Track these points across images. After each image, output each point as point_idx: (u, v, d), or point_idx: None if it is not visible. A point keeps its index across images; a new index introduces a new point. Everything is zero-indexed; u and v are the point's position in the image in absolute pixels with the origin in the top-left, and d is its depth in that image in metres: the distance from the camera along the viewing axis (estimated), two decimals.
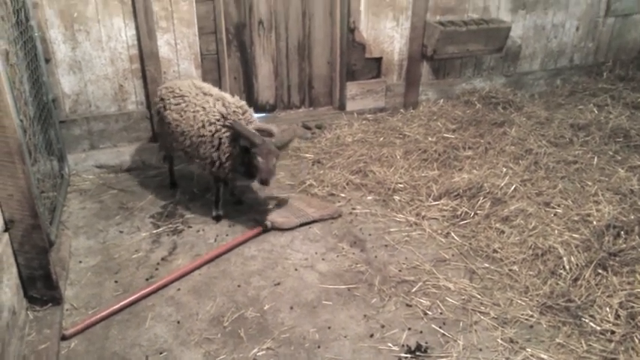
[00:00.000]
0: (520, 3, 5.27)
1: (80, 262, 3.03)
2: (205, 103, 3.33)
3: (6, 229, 2.33)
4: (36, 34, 3.52)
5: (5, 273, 2.24)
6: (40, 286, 2.51)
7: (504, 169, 3.94)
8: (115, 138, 4.31)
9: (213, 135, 3.24)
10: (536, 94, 5.67)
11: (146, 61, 4.17)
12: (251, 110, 3.41)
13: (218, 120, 3.25)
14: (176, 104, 3.41)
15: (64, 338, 2.44)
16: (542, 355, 2.38)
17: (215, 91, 3.49)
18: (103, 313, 2.59)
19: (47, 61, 3.82)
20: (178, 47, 4.29)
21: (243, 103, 3.42)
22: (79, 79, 4.07)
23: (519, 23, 5.36)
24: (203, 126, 3.26)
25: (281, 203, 3.62)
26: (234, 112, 3.28)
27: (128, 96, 4.27)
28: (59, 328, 2.46)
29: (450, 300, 2.76)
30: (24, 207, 2.35)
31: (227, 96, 3.43)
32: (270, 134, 3.19)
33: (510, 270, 2.97)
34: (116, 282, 2.87)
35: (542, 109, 5.16)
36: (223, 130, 3.23)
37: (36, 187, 2.49)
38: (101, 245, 3.19)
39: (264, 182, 3.11)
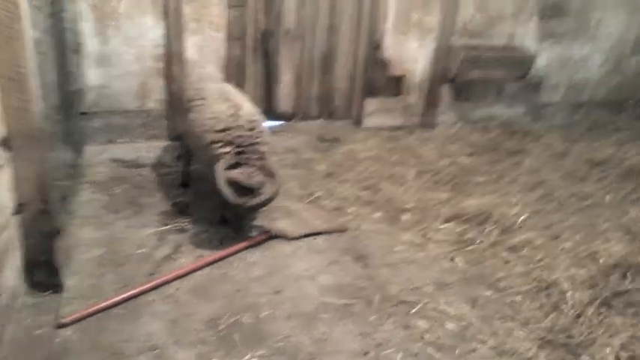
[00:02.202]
0: (547, 33, 5.26)
1: (84, 252, 3.07)
2: (219, 109, 3.28)
3: (16, 212, 2.37)
4: (67, 26, 3.61)
5: (10, 255, 2.29)
6: (42, 272, 2.55)
7: (516, 199, 3.90)
8: (133, 134, 4.38)
9: (209, 144, 3.13)
10: (555, 125, 5.62)
11: (171, 61, 4.24)
12: (265, 127, 3.27)
13: (219, 130, 3.13)
14: (197, 105, 3.45)
15: (60, 326, 2.46)
16: None
17: (237, 98, 3.43)
18: (101, 305, 2.60)
19: (76, 52, 3.90)
20: (204, 50, 4.36)
21: (257, 118, 3.28)
22: (105, 73, 4.16)
23: (545, 53, 5.34)
24: (207, 131, 3.19)
25: (288, 212, 3.63)
26: (238, 125, 3.13)
27: (150, 94, 4.35)
28: (56, 315, 2.48)
29: (449, 325, 2.72)
30: (36, 192, 2.40)
31: (245, 106, 3.32)
32: (257, 187, 3.01)
33: (512, 300, 2.92)
34: (118, 275, 2.90)
35: (560, 141, 5.11)
36: (219, 143, 3.09)
37: (50, 174, 2.54)
38: (107, 238, 3.23)
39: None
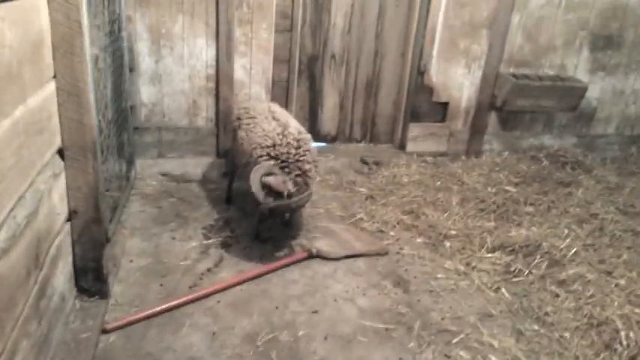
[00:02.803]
0: (600, 65, 5.12)
1: (131, 261, 3.15)
2: (268, 127, 3.37)
3: (69, 219, 2.46)
4: (125, 45, 3.79)
5: (62, 260, 2.37)
6: (91, 278, 2.62)
7: (566, 231, 3.76)
8: (182, 149, 4.51)
9: (256, 159, 3.22)
10: (608, 158, 5.41)
11: (221, 81, 4.38)
12: (312, 146, 3.36)
13: (267, 146, 3.22)
14: (247, 124, 3.54)
15: (104, 331, 2.52)
16: None
17: (285, 118, 3.52)
18: (145, 314, 2.66)
19: (131, 70, 4.09)
20: (252, 72, 4.48)
21: (305, 136, 3.36)
22: (158, 91, 4.33)
23: (597, 85, 5.19)
24: (255, 148, 3.27)
25: (329, 233, 3.62)
26: (288, 143, 3.23)
27: (199, 112, 4.48)
28: (102, 320, 2.55)
29: (492, 358, 2.62)
30: (88, 201, 2.49)
31: (293, 125, 3.42)
32: (284, 194, 3.07)
33: (561, 336, 2.79)
34: (161, 285, 2.95)
35: (614, 174, 4.92)
36: (265, 157, 3.18)
37: (102, 184, 2.64)
38: (153, 248, 3.30)
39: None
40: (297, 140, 3.29)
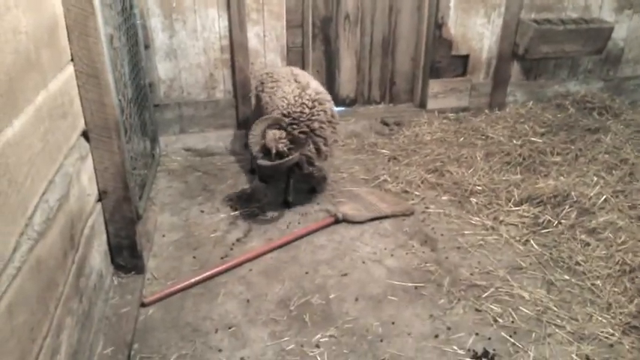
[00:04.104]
0: (626, 2, 4.88)
1: (164, 236, 3.24)
2: (288, 89, 3.41)
3: (99, 199, 2.53)
4: (138, 22, 3.78)
5: (96, 239, 2.45)
6: (126, 254, 2.71)
7: (595, 179, 3.69)
8: (203, 124, 4.54)
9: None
10: (637, 101, 5.23)
11: (235, 51, 4.34)
12: (330, 106, 3.40)
13: (284, 107, 3.30)
14: (270, 88, 3.58)
15: (143, 305, 2.63)
16: None
17: (307, 79, 3.55)
18: (180, 285, 2.75)
19: (146, 47, 4.09)
20: (266, 39, 4.43)
21: (323, 97, 3.40)
22: (174, 66, 4.33)
23: (624, 24, 4.96)
24: (273, 110, 3.36)
25: (354, 196, 3.64)
26: (302, 103, 3.29)
27: (217, 84, 4.48)
28: (140, 295, 2.65)
29: (524, 310, 2.63)
30: (117, 180, 2.54)
31: (313, 87, 3.44)
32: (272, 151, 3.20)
33: (593, 284, 2.78)
34: (194, 257, 3.04)
35: None
36: (285, 119, 3.25)
37: (129, 163, 2.69)
38: (183, 222, 3.39)
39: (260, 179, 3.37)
40: (313, 101, 3.33)
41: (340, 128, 4.61)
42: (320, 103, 3.35)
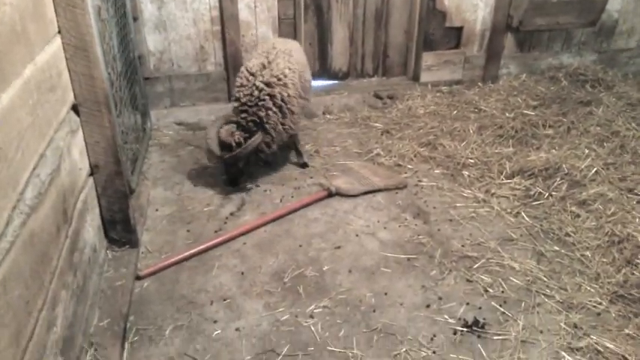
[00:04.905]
0: None
1: (157, 210, 3.24)
2: (250, 64, 3.42)
3: (91, 174, 2.52)
4: None
5: (89, 214, 2.44)
6: (120, 228, 2.71)
7: (586, 151, 3.71)
8: (194, 97, 4.49)
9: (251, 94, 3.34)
10: (630, 73, 5.23)
11: (226, 23, 4.27)
12: (279, 90, 3.30)
13: (237, 87, 3.38)
14: (248, 61, 3.54)
15: (138, 278, 2.64)
16: (608, 344, 2.27)
17: (281, 55, 3.43)
18: (175, 259, 2.77)
19: (135, 19, 4.00)
20: (257, 10, 4.35)
21: (284, 72, 3.32)
22: (164, 38, 4.25)
23: None
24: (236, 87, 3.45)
25: (347, 170, 3.64)
26: (253, 85, 3.30)
27: (208, 57, 4.41)
28: (134, 268, 2.66)
29: (514, 280, 2.68)
30: (108, 154, 2.52)
31: (276, 63, 3.36)
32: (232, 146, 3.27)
33: (582, 255, 2.83)
34: (188, 231, 3.05)
35: (636, 90, 4.77)
36: (233, 99, 3.38)
37: (120, 137, 2.67)
38: (176, 196, 3.38)
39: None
40: (276, 76, 3.31)
41: (334, 102, 4.62)
42: (271, 87, 3.30)
